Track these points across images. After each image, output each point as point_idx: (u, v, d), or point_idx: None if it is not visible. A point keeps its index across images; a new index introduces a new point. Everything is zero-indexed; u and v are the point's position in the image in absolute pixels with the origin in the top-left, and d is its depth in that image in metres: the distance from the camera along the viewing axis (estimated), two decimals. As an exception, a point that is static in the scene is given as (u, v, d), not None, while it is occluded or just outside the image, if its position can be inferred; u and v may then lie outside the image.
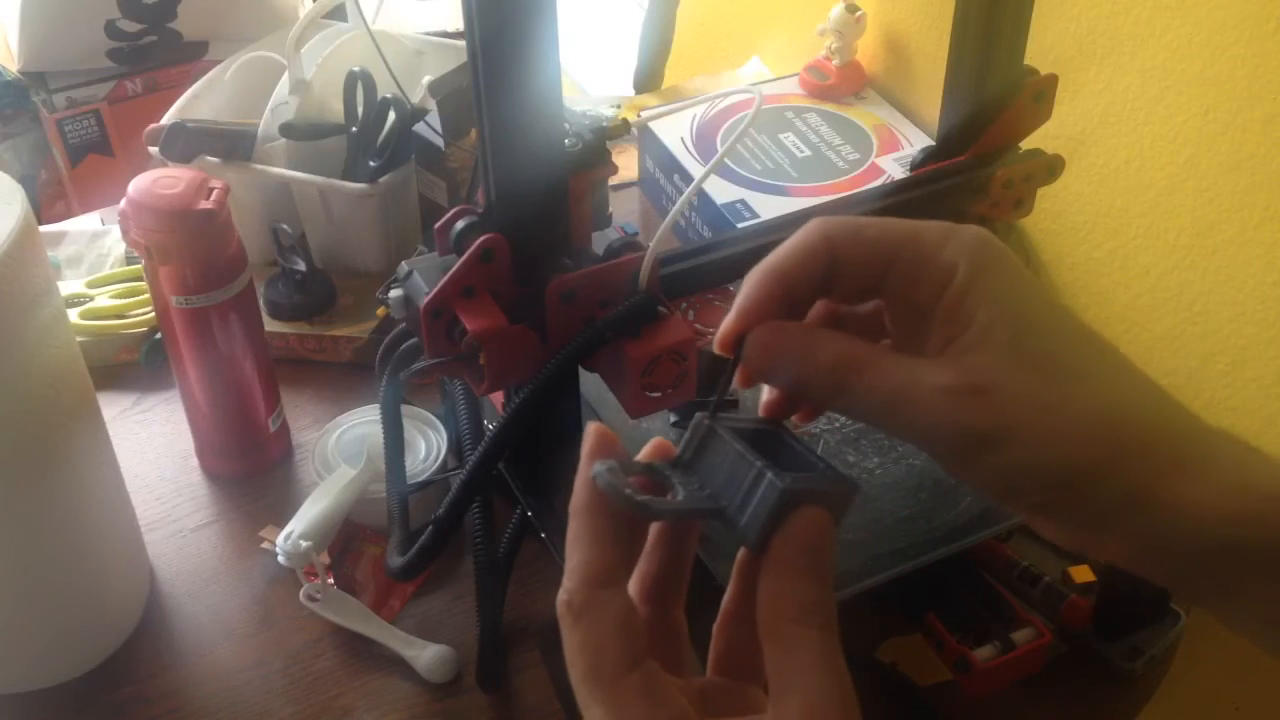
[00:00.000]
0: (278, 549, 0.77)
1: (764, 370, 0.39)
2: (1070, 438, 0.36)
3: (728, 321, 0.40)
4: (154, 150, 0.99)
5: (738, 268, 0.68)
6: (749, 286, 0.40)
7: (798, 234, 0.40)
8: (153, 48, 1.31)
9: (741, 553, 0.40)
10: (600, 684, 0.34)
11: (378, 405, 0.76)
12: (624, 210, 1.16)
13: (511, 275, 0.62)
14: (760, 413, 0.43)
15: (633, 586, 0.39)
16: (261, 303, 0.89)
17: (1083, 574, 0.78)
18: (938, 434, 0.37)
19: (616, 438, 0.39)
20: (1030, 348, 0.37)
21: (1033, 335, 0.37)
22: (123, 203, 0.77)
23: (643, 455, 0.40)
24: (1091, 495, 0.37)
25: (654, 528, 0.40)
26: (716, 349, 0.40)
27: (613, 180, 0.68)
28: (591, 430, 0.39)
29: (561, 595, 0.36)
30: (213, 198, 0.77)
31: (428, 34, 1.17)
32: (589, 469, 0.37)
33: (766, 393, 0.42)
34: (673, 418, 0.79)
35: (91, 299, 1.00)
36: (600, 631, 0.35)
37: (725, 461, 0.38)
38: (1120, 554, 0.38)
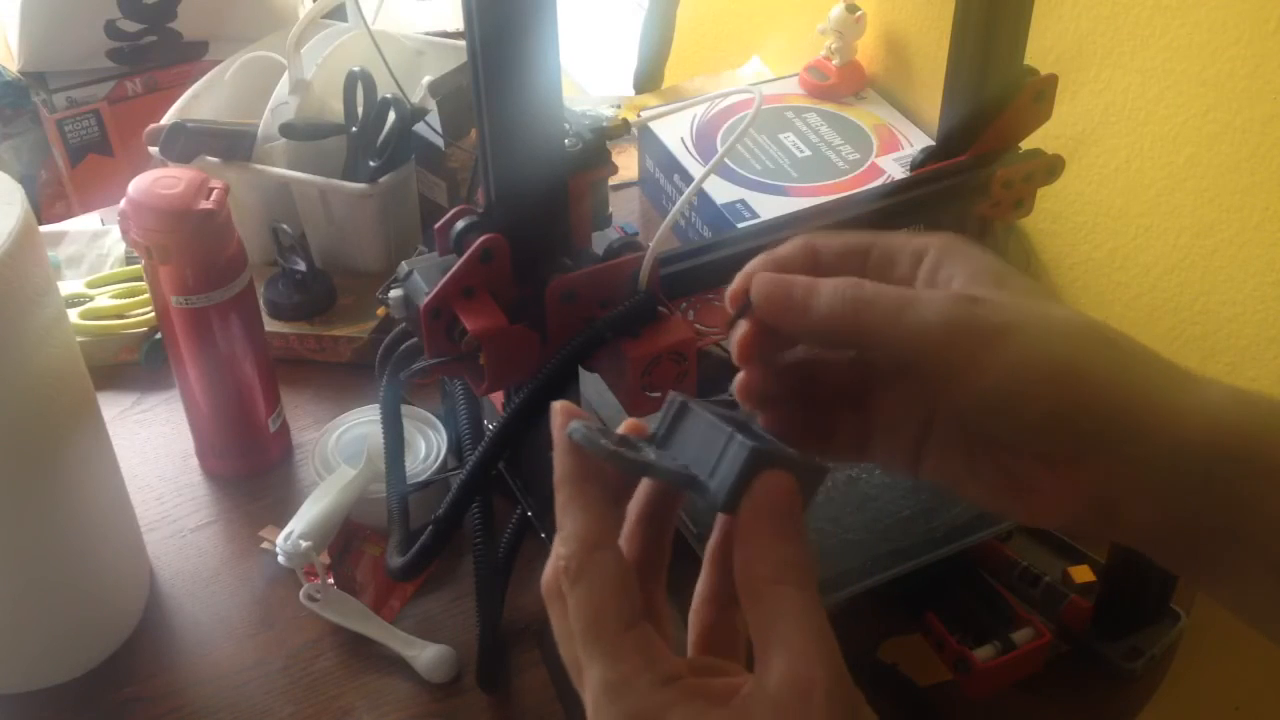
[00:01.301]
0: (278, 549, 0.77)
1: (772, 297, 0.40)
2: (1068, 334, 0.38)
3: (735, 282, 0.42)
4: (154, 150, 0.99)
5: (738, 268, 0.68)
6: (747, 266, 0.42)
7: (784, 243, 0.43)
8: (153, 48, 1.31)
9: (713, 539, 0.41)
10: (600, 641, 0.35)
11: (378, 405, 0.76)
12: (624, 210, 1.16)
13: (511, 275, 0.62)
14: (734, 352, 0.43)
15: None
16: (261, 303, 0.89)
17: (1083, 574, 0.78)
18: (948, 328, 0.38)
19: (582, 411, 0.40)
20: (1011, 284, 0.40)
21: (1009, 277, 0.40)
22: (123, 203, 0.77)
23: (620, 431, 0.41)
24: (1089, 396, 0.38)
25: (631, 511, 0.41)
26: (727, 304, 0.42)
27: (613, 180, 0.68)
28: (557, 407, 0.39)
29: (556, 563, 0.37)
30: (213, 198, 0.77)
31: (428, 34, 1.17)
32: (564, 439, 0.38)
33: (739, 330, 0.43)
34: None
35: (91, 299, 1.00)
36: (599, 590, 0.36)
37: (698, 432, 0.39)
38: (1101, 486, 0.38)
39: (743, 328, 0.42)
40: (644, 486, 0.41)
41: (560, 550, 0.37)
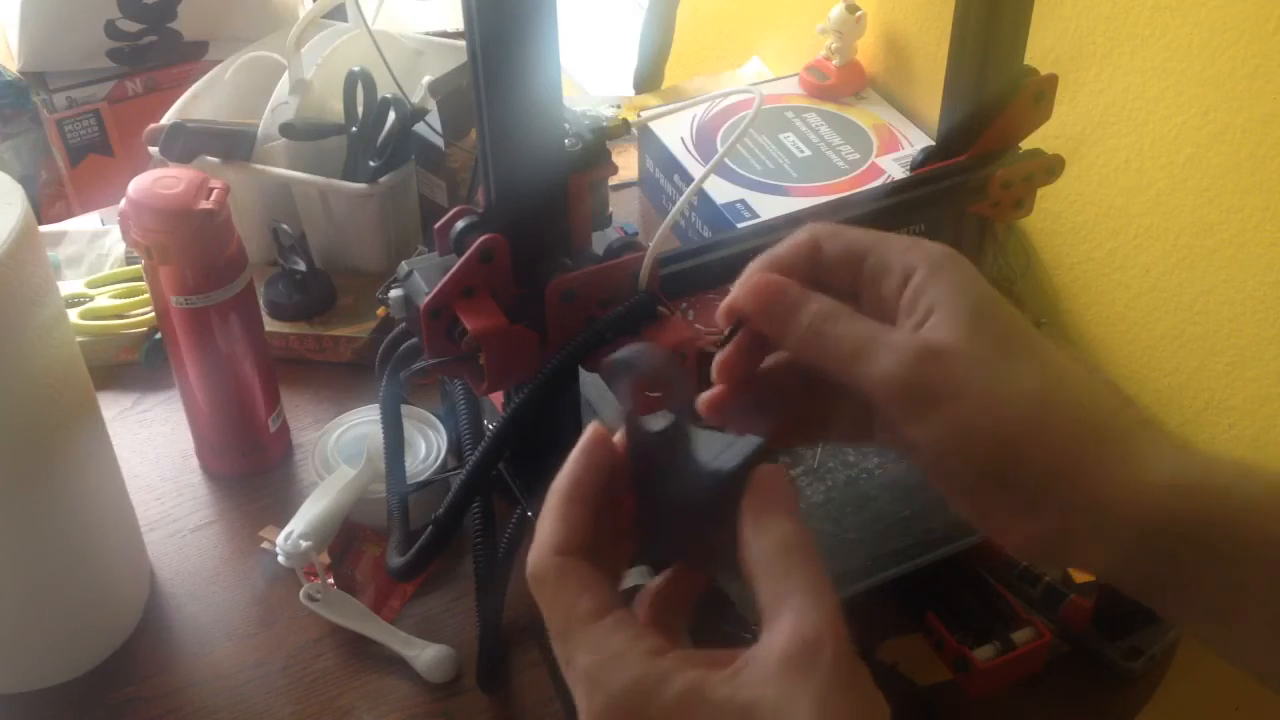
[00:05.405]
0: (278, 549, 0.77)
1: (754, 309, 0.43)
2: (1010, 407, 0.39)
3: (730, 295, 0.43)
4: (154, 150, 0.99)
5: (738, 268, 0.68)
6: (748, 270, 0.44)
7: (791, 235, 0.44)
8: (153, 48, 1.31)
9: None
10: (578, 630, 0.38)
11: (378, 405, 0.76)
12: (624, 210, 1.16)
13: (511, 275, 0.62)
14: (715, 371, 0.44)
15: (640, 609, 0.42)
16: (261, 303, 0.89)
17: (1083, 574, 0.78)
18: (894, 384, 0.40)
19: (610, 439, 0.41)
20: (984, 325, 0.41)
21: (986, 317, 0.41)
22: (123, 203, 0.77)
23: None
24: (1025, 466, 0.39)
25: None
26: (720, 319, 0.43)
27: (613, 180, 0.68)
28: (590, 430, 0.41)
29: (529, 568, 0.40)
30: (213, 198, 0.77)
31: (428, 34, 1.17)
32: (575, 459, 0.41)
33: (722, 352, 0.44)
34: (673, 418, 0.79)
35: (91, 299, 1.00)
36: (569, 587, 0.38)
37: (697, 439, 0.41)
38: (1046, 533, 0.40)
39: (725, 350, 0.44)
40: None
41: (531, 556, 0.39)
